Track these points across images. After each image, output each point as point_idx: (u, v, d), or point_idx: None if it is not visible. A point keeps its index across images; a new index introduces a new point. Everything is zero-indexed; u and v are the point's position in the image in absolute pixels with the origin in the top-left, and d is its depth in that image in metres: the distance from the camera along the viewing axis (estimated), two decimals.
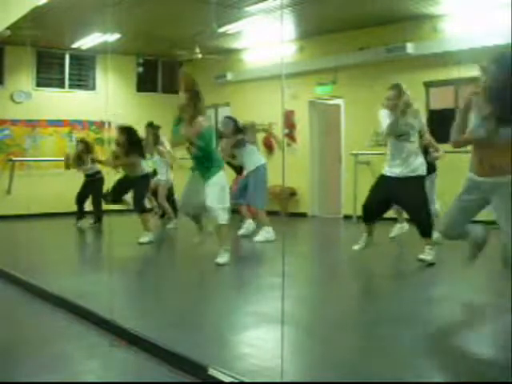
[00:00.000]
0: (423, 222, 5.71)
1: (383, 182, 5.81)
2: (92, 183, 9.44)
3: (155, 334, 3.48)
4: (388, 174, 5.76)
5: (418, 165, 5.73)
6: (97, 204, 9.32)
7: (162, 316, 4.17)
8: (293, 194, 11.00)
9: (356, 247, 6.05)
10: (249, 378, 2.82)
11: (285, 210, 10.99)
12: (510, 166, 3.75)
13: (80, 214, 9.51)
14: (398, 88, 5.83)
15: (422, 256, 5.69)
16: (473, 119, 3.91)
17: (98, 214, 9.29)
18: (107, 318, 3.81)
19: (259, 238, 7.53)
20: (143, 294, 5.10)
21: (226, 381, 2.80)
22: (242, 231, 8.06)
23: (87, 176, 9.52)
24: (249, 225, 8.11)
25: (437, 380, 2.98)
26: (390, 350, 3.38)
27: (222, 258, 5.83)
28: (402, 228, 7.54)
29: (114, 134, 8.31)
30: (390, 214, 7.18)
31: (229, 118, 8.25)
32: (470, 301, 4.59)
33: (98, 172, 9.46)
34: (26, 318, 4.30)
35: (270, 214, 9.55)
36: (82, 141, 9.65)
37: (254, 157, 7.84)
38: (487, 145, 3.84)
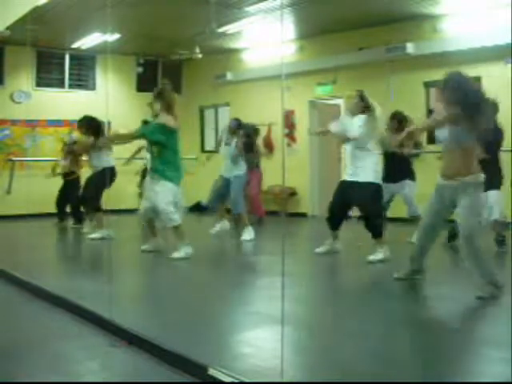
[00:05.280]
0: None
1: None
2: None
3: (155, 333, 3.48)
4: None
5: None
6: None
7: (162, 316, 4.17)
8: (293, 193, 11.00)
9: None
10: (249, 378, 2.82)
11: (285, 210, 10.99)
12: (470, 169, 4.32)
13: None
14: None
15: (371, 257, 5.93)
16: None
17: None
18: (107, 317, 3.81)
19: (246, 236, 7.79)
20: (143, 294, 5.11)
21: (226, 381, 2.80)
22: (215, 230, 8.25)
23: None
24: (223, 224, 8.30)
25: (437, 380, 2.98)
26: (389, 350, 3.38)
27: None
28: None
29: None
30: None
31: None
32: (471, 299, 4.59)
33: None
34: (26, 317, 4.29)
35: (270, 213, 9.56)
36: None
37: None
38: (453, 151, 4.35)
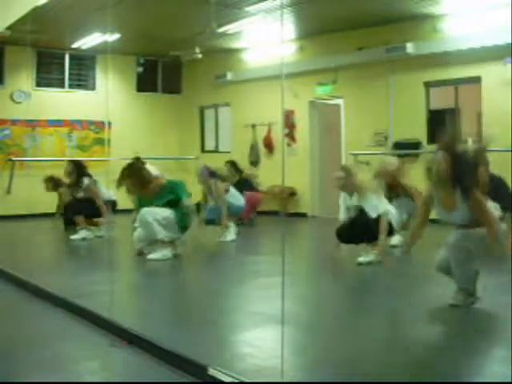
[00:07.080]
0: None
1: None
2: None
3: (155, 333, 3.48)
4: None
5: None
6: None
7: (162, 316, 4.17)
8: (293, 194, 11.00)
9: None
10: (249, 378, 2.82)
11: (285, 210, 10.99)
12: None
13: None
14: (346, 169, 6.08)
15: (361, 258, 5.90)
16: None
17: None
18: (107, 317, 3.82)
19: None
20: (143, 293, 5.11)
21: (226, 381, 2.80)
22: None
23: None
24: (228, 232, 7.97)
25: (437, 380, 2.98)
26: (389, 349, 3.38)
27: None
28: None
29: None
30: None
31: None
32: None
33: None
34: (26, 317, 4.30)
35: (270, 213, 9.56)
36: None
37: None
38: None
